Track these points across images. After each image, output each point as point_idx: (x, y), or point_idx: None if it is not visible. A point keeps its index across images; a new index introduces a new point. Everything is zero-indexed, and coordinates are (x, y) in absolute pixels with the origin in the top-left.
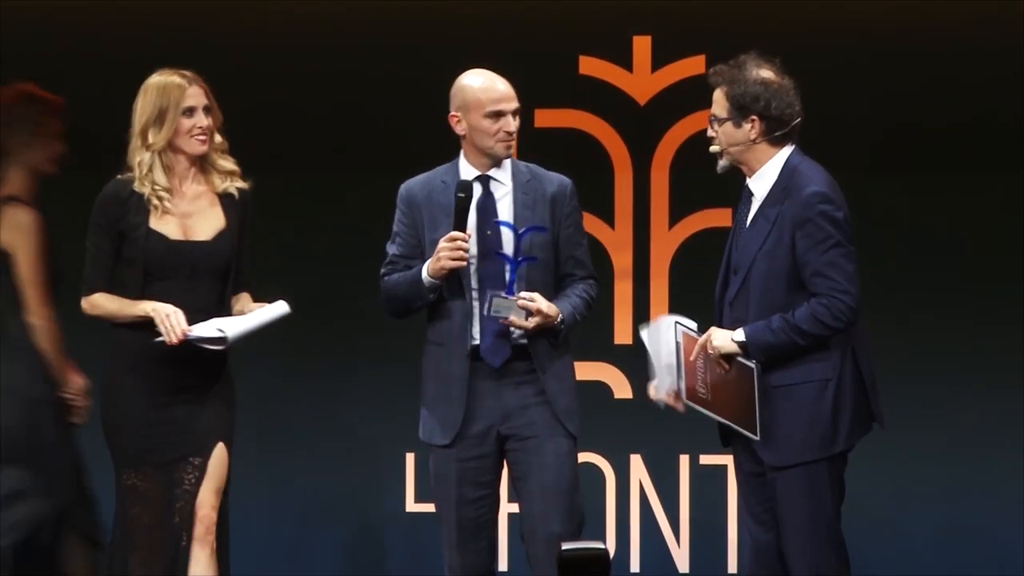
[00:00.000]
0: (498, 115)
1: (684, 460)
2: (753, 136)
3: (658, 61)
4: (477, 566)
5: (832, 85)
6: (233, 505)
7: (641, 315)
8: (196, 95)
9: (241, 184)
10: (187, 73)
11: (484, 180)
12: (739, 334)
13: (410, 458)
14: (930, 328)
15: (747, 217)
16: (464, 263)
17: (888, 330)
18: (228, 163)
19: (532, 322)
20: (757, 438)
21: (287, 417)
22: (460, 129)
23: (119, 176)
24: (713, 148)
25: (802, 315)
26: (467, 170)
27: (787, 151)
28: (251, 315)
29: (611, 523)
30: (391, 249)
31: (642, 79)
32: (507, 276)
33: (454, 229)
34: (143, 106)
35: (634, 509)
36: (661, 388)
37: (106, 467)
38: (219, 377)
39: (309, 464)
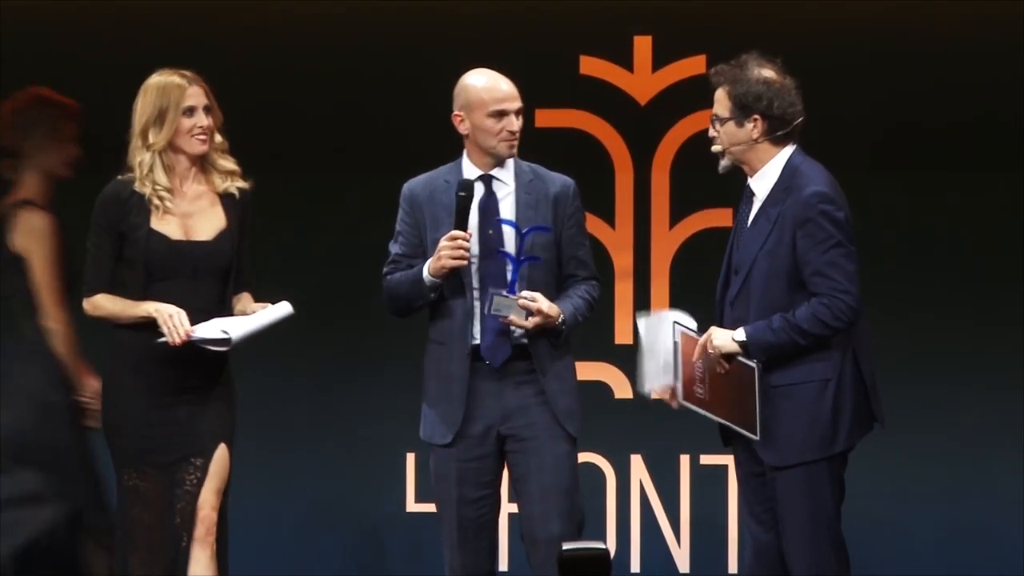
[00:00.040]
0: (501, 114)
1: (684, 460)
2: (755, 135)
3: (659, 61)
4: (477, 566)
5: (832, 85)
6: (233, 505)
7: None
8: (196, 95)
9: (241, 184)
10: (187, 73)
11: (487, 180)
12: (740, 333)
13: (410, 458)
14: (930, 328)
15: (748, 217)
16: (464, 262)
17: (888, 330)
18: (228, 163)
19: (532, 322)
20: (757, 438)
21: (287, 417)
22: (463, 129)
23: (119, 177)
24: (715, 148)
25: (803, 315)
26: (470, 170)
27: (788, 151)
28: (255, 316)
29: (611, 523)
30: (393, 248)
31: (643, 79)
32: (509, 275)
33: (455, 228)
34: (143, 106)
35: (634, 509)
36: (651, 380)
37: (106, 467)
38: (220, 378)
39: (309, 464)
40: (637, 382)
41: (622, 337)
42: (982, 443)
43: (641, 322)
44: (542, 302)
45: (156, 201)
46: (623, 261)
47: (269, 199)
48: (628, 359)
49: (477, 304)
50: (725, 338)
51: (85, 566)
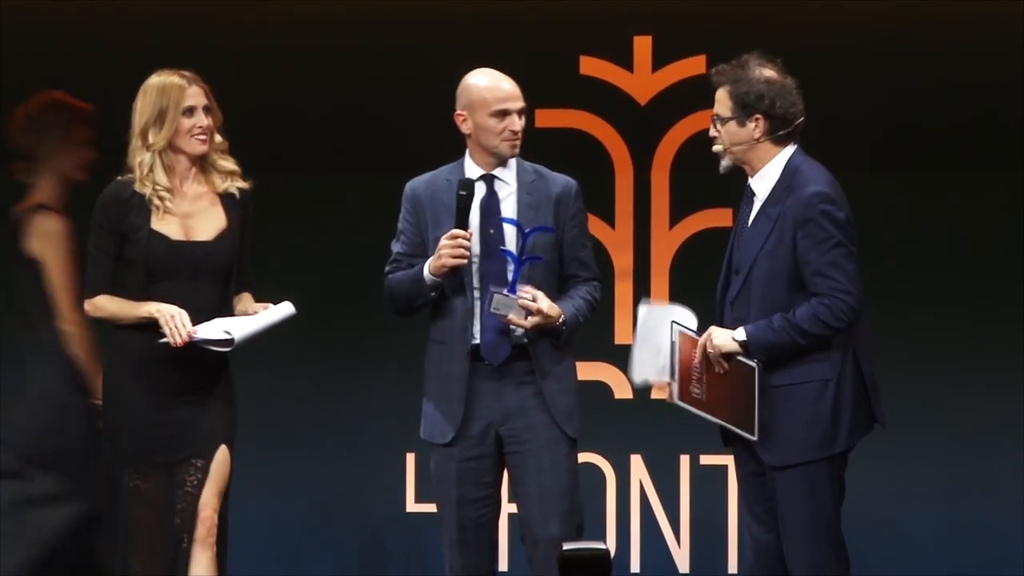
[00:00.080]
0: (503, 114)
1: (684, 460)
2: (757, 135)
3: (659, 61)
4: (478, 566)
5: (832, 85)
6: (233, 505)
7: None
8: (196, 95)
9: (241, 184)
10: (187, 73)
11: (489, 179)
12: (740, 333)
13: (410, 458)
14: (930, 328)
15: (749, 217)
16: (465, 261)
17: (888, 330)
18: (228, 163)
19: (531, 321)
20: (755, 439)
21: (287, 417)
22: (465, 128)
23: (119, 177)
24: (716, 148)
25: (803, 315)
26: (472, 169)
27: (789, 151)
28: (257, 316)
29: (611, 523)
30: (395, 247)
31: (643, 79)
32: (510, 275)
33: (456, 227)
34: (143, 106)
35: (634, 509)
36: (640, 371)
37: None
38: (221, 378)
39: (309, 464)
40: (628, 370)
41: (622, 337)
42: (982, 443)
43: (642, 309)
44: (542, 302)
45: (156, 201)
46: (623, 261)
47: (269, 199)
48: (628, 359)
49: (478, 304)
50: (725, 338)
51: (100, 568)
